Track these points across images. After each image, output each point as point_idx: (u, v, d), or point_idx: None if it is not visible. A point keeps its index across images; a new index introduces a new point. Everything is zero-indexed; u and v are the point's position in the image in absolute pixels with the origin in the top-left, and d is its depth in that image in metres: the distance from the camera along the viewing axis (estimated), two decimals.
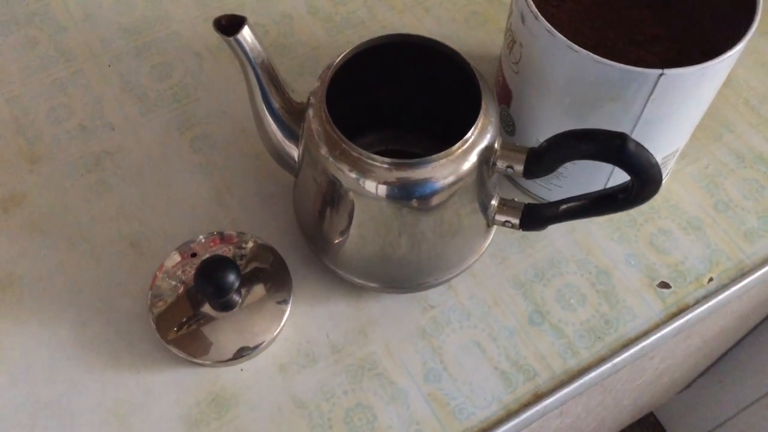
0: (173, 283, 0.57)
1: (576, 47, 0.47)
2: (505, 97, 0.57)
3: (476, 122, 0.47)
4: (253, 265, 0.57)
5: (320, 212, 0.52)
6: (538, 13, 0.48)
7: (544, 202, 0.60)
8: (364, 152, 0.46)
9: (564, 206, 0.51)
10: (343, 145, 0.46)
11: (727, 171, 0.62)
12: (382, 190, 0.47)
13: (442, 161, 0.46)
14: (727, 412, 1.27)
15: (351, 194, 0.48)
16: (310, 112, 0.49)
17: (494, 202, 0.53)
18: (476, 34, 0.69)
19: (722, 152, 0.63)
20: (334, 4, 0.71)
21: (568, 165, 0.54)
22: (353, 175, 0.46)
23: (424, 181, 0.47)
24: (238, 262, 0.57)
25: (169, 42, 0.68)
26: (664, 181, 0.61)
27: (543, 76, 0.51)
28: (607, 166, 0.54)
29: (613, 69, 0.46)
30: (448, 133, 0.51)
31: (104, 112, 0.63)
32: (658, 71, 0.46)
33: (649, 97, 0.48)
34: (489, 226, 0.54)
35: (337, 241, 0.53)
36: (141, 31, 0.68)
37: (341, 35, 0.69)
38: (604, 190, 0.50)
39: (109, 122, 0.63)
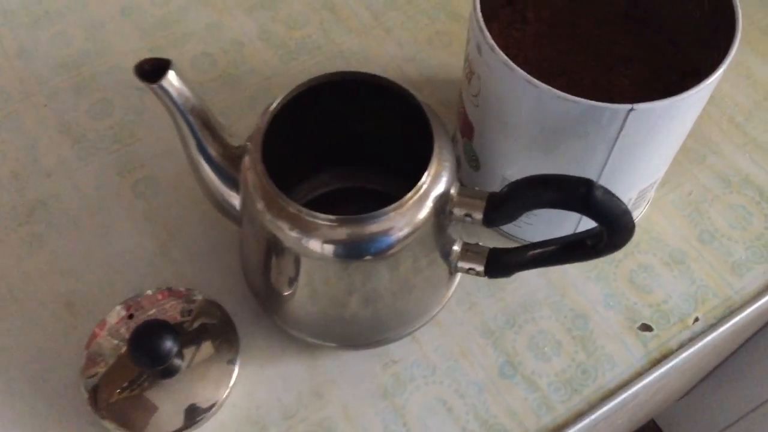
0: (115, 341, 0.52)
1: (536, 82, 0.42)
2: (467, 131, 0.52)
3: (428, 168, 0.43)
4: (201, 321, 0.53)
5: (264, 268, 0.48)
6: (494, 45, 0.44)
7: (516, 240, 0.56)
8: (304, 209, 0.41)
9: (531, 252, 0.47)
10: (281, 201, 0.42)
11: (711, 197, 0.58)
12: (328, 249, 0.42)
13: (392, 214, 0.42)
14: (729, 417, 1.24)
15: (294, 253, 0.43)
16: (247, 161, 0.44)
17: (456, 248, 0.49)
18: (440, 56, 0.65)
19: (706, 176, 0.59)
20: (288, 29, 0.66)
21: None
22: (294, 234, 0.42)
23: (374, 237, 0.42)
24: (185, 318, 0.53)
25: (109, 77, 0.63)
26: (643, 211, 0.57)
27: (503, 110, 0.46)
28: None
29: (578, 105, 0.42)
30: (409, 169, 0.47)
31: (39, 157, 0.59)
32: (627, 107, 0.41)
33: (619, 133, 0.43)
34: (452, 273, 0.50)
35: (284, 299, 0.48)
36: (80, 65, 0.64)
37: (296, 62, 0.64)
38: (574, 236, 0.45)
39: (43, 168, 0.58)
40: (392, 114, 0.47)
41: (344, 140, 0.53)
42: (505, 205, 0.42)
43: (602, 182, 0.48)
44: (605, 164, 0.46)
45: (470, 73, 0.49)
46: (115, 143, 0.60)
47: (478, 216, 0.43)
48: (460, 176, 0.58)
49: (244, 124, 0.60)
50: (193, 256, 0.55)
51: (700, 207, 0.57)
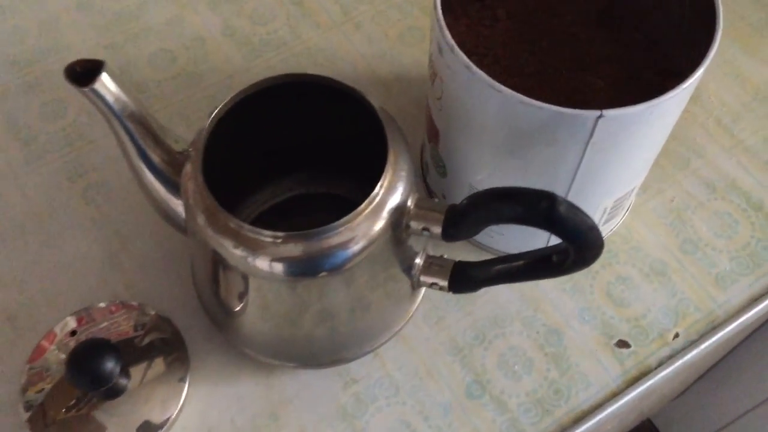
0: (62, 356, 0.49)
1: (498, 86, 0.39)
2: (433, 135, 0.49)
3: (382, 179, 0.40)
4: (153, 336, 0.50)
5: (212, 284, 0.45)
6: (454, 45, 0.40)
7: (487, 250, 0.52)
8: (246, 226, 0.38)
9: (497, 267, 0.44)
10: (222, 216, 0.39)
11: (695, 204, 0.54)
12: (276, 267, 0.39)
13: (343, 228, 0.39)
14: (727, 417, 1.21)
15: (240, 271, 0.40)
16: (188, 169, 0.41)
17: (419, 261, 0.46)
18: (412, 53, 0.61)
19: (690, 182, 0.55)
20: (253, 24, 0.63)
21: None
22: (238, 252, 0.39)
23: (325, 253, 0.39)
24: (138, 333, 0.50)
25: (62, 75, 0.60)
26: (622, 219, 0.53)
27: (467, 115, 0.43)
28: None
29: (543, 111, 0.38)
30: (374, 175, 0.44)
31: None
32: (596, 113, 0.38)
33: (589, 140, 0.40)
34: (414, 288, 0.47)
35: (235, 317, 0.45)
36: (32, 63, 0.60)
37: (260, 59, 0.61)
38: (541, 251, 0.42)
39: None
40: (348, 118, 0.44)
41: (305, 144, 0.50)
42: (465, 219, 0.39)
43: (574, 191, 0.45)
44: (576, 172, 0.43)
45: (433, 75, 0.45)
46: (67, 146, 0.57)
47: (437, 230, 0.40)
48: (429, 182, 0.55)
49: (202, 125, 0.57)
50: (145, 267, 0.52)
51: (682, 214, 0.54)
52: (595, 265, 0.52)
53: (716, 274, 0.52)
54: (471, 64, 0.40)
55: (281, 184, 0.54)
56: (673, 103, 0.40)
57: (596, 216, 0.48)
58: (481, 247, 0.53)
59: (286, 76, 0.43)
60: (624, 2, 0.50)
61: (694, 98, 0.59)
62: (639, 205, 0.54)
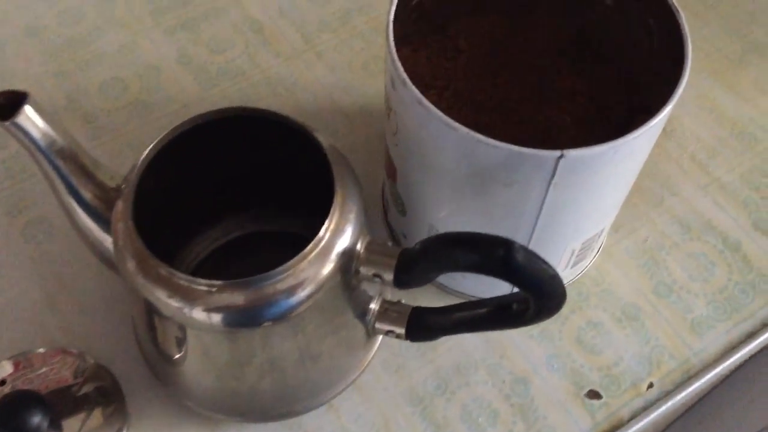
0: None
1: (453, 124, 0.36)
2: (391, 172, 0.46)
3: (328, 221, 0.37)
4: (91, 386, 0.46)
5: (150, 332, 0.41)
6: (407, 79, 0.38)
7: (451, 293, 0.49)
8: (180, 274, 0.35)
9: (457, 315, 0.41)
10: (152, 262, 0.36)
11: (669, 244, 0.52)
12: (214, 318, 0.36)
13: (285, 275, 0.36)
14: None
15: (176, 321, 0.37)
16: (119, 208, 0.38)
17: (374, 306, 0.43)
18: (376, 83, 0.59)
19: (664, 220, 0.53)
20: (210, 52, 0.60)
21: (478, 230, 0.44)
22: (172, 302, 0.35)
23: (268, 302, 0.36)
24: (77, 380, 0.47)
25: None
26: (593, 261, 0.51)
27: (422, 152, 0.40)
28: (522, 239, 0.43)
29: (500, 150, 0.36)
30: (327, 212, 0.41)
31: None
32: (556, 153, 0.35)
33: (551, 181, 0.37)
34: (370, 336, 0.44)
35: (174, 368, 0.42)
36: None
37: (217, 89, 0.58)
38: (504, 298, 0.39)
39: None
40: (297, 154, 0.41)
41: (255, 180, 0.47)
42: (418, 265, 0.36)
43: (539, 233, 0.42)
44: (540, 213, 0.40)
45: (388, 109, 0.43)
46: (7, 179, 0.53)
47: (389, 276, 0.37)
48: (390, 220, 0.52)
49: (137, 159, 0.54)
50: (83, 311, 0.48)
51: (656, 255, 0.51)
52: (565, 310, 0.49)
53: (692, 319, 0.49)
54: (424, 99, 0.37)
55: (233, 221, 0.51)
56: (641, 141, 0.37)
57: (563, 258, 0.45)
58: (445, 289, 0.50)
59: (228, 110, 0.40)
60: (592, 34, 0.47)
61: (668, 133, 0.56)
62: (611, 245, 0.52)
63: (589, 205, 0.41)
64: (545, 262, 0.34)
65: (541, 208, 0.39)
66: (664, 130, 0.56)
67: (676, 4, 0.40)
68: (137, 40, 0.61)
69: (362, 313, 0.42)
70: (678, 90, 0.38)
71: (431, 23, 0.48)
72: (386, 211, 0.52)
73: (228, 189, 0.47)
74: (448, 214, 0.43)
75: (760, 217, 0.53)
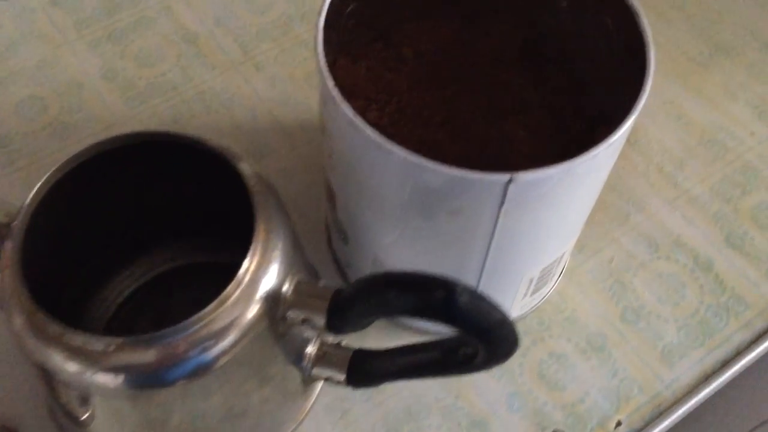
0: None
1: (389, 146, 0.32)
2: (330, 196, 0.42)
3: (248, 259, 0.32)
4: None
5: (52, 393, 0.36)
6: (338, 95, 0.33)
7: (406, 328, 0.45)
8: (72, 331, 0.30)
9: (402, 359, 0.36)
10: (42, 320, 0.31)
11: (636, 265, 0.48)
12: (117, 380, 0.31)
13: (197, 327, 0.31)
14: None
15: (75, 386, 0.32)
16: (7, 250, 0.33)
17: (311, 350, 0.38)
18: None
19: (630, 239, 0.49)
20: (138, 66, 0.55)
21: (425, 262, 0.39)
22: (69, 367, 0.31)
23: (181, 358, 0.31)
24: None
25: None
26: (555, 286, 0.47)
27: (358, 176, 0.36)
28: (473, 270, 0.39)
29: (441, 175, 0.32)
30: None
31: None
32: (505, 177, 0.31)
33: (500, 208, 0.33)
34: (307, 383, 0.39)
35: (83, 428, 0.37)
36: None
37: (145, 106, 0.53)
38: (452, 341, 0.35)
39: None
40: (218, 183, 0.36)
41: (176, 211, 0.42)
42: (352, 309, 0.32)
43: (491, 262, 0.38)
44: (490, 243, 0.36)
45: (322, 129, 0.38)
46: None
47: (320, 321, 0.33)
48: (334, 248, 0.47)
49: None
50: None
51: (623, 277, 0.47)
52: (526, 339, 0.45)
53: (662, 347, 0.45)
54: (356, 118, 0.32)
55: (163, 253, 0.46)
56: (600, 159, 0.33)
57: (521, 287, 0.41)
58: (399, 324, 0.45)
59: (136, 135, 0.35)
60: (548, 40, 0.43)
61: (632, 143, 0.52)
62: (574, 267, 0.48)
63: (546, 231, 0.37)
64: (493, 305, 0.29)
65: (492, 237, 0.35)
66: (628, 140, 0.52)
67: (635, 4, 0.36)
68: (58, 53, 0.55)
69: (297, 359, 0.37)
70: (640, 100, 0.34)
71: (373, 30, 0.43)
72: (330, 239, 0.48)
73: (147, 221, 0.42)
74: (392, 243, 0.39)
75: (732, 232, 0.49)
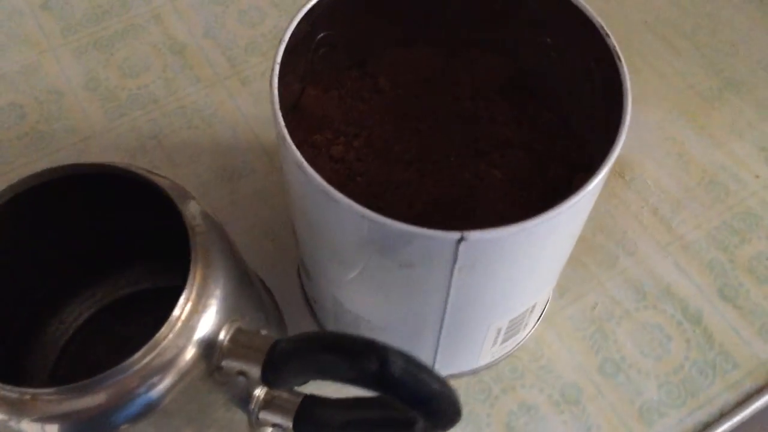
0: None
1: (333, 193, 0.30)
2: (293, 229, 0.40)
3: (183, 300, 0.30)
4: None
5: None
6: (287, 135, 0.31)
7: None
8: (5, 386, 0.29)
9: (350, 413, 0.34)
10: None
11: (620, 313, 0.45)
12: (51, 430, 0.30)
13: (126, 374, 0.29)
14: None
15: None
16: None
17: (259, 393, 0.36)
18: None
19: (616, 284, 0.46)
20: (122, 76, 0.54)
21: (383, 308, 0.38)
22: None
23: (109, 408, 0.30)
24: None
25: None
26: (531, 332, 0.44)
27: (309, 219, 0.34)
28: (433, 320, 0.37)
29: (386, 229, 0.29)
30: None
31: None
32: (455, 236, 0.29)
33: (454, 265, 0.31)
34: (254, 428, 0.38)
35: None
36: None
37: (125, 118, 0.52)
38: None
39: None
40: (160, 217, 0.35)
41: (138, 235, 0.41)
42: (287, 366, 0.30)
43: (451, 316, 0.35)
44: (447, 298, 0.34)
45: (279, 162, 0.36)
46: None
47: (255, 374, 0.31)
48: (302, 279, 0.45)
49: None
50: None
51: (605, 326, 0.45)
52: (495, 387, 0.43)
53: (641, 404, 0.42)
54: (302, 162, 0.30)
55: (126, 276, 0.45)
56: (561, 220, 0.31)
57: (488, 338, 0.39)
58: None
59: (73, 167, 0.34)
60: (532, 77, 0.41)
61: (628, 181, 0.50)
62: (554, 312, 0.45)
63: (510, 285, 0.35)
64: (431, 375, 0.27)
65: (448, 291, 0.33)
66: (623, 177, 0.50)
67: (617, 47, 0.34)
68: (42, 59, 0.54)
69: (243, 402, 0.36)
70: (614, 150, 0.31)
71: (348, 57, 0.41)
72: (299, 269, 0.46)
73: (107, 245, 0.41)
74: (348, 286, 0.37)
75: (727, 284, 0.46)
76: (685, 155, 0.51)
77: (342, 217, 0.31)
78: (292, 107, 0.39)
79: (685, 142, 0.52)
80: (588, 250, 0.47)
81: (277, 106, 0.32)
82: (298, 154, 0.31)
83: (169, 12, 0.57)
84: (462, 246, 0.29)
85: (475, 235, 0.29)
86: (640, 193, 0.50)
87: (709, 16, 0.57)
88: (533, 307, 0.40)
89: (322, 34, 0.38)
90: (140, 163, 0.50)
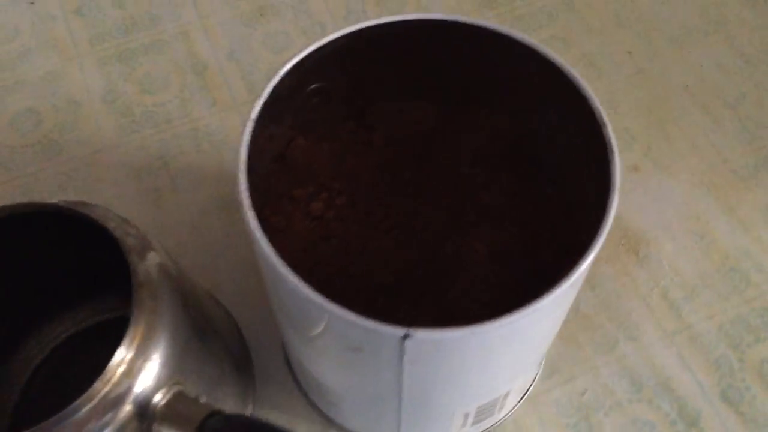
0: None
1: (285, 274, 0.28)
2: None
3: (118, 358, 0.30)
4: None
5: None
6: (246, 199, 0.30)
7: (331, 421, 0.42)
8: None
9: None
10: None
11: (611, 404, 0.42)
12: None
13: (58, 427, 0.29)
14: None
15: None
16: None
17: None
18: None
19: (611, 371, 0.43)
20: (140, 91, 0.54)
21: (340, 379, 0.36)
22: None
23: None
24: None
25: None
26: (512, 413, 0.42)
27: (270, 290, 0.33)
28: (391, 400, 0.35)
29: (331, 314, 0.28)
30: None
31: None
32: (399, 332, 0.27)
33: (402, 357, 0.29)
34: None
35: None
36: None
37: (136, 135, 0.52)
38: None
39: None
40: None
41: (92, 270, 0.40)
42: None
43: (408, 401, 0.34)
44: (401, 383, 0.32)
45: None
46: None
47: None
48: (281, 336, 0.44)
49: None
50: None
51: (592, 416, 0.42)
52: None
53: None
54: (259, 235, 0.29)
55: (107, 302, 0.44)
56: (522, 324, 0.29)
57: (455, 422, 0.37)
58: (329, 420, 0.42)
59: (25, 205, 0.33)
60: (535, 141, 0.38)
61: (641, 259, 0.47)
62: (540, 392, 0.43)
63: (472, 379, 0.33)
64: None
65: (401, 379, 0.31)
66: (636, 253, 0.47)
67: (612, 140, 0.31)
68: (65, 68, 0.55)
69: None
70: (586, 256, 0.29)
71: (346, 107, 0.40)
72: None
73: (87, 270, 0.40)
74: (306, 353, 0.35)
75: (732, 385, 0.43)
76: (708, 236, 0.48)
77: (291, 293, 0.29)
78: (279, 156, 0.38)
79: (710, 222, 0.48)
80: (586, 328, 0.44)
81: (243, 165, 0.31)
82: (255, 223, 0.29)
83: (197, 29, 0.57)
84: (408, 342, 0.27)
85: (421, 334, 0.27)
86: (653, 272, 0.46)
87: (757, 86, 0.53)
88: (507, 393, 0.37)
89: (314, 85, 0.37)
90: (145, 185, 0.49)
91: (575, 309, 0.45)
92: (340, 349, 0.31)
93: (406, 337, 0.27)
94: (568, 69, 0.32)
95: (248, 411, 0.40)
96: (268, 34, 0.57)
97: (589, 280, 0.46)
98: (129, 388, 0.30)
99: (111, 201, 0.49)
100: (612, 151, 0.31)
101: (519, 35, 0.33)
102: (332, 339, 0.30)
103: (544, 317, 0.30)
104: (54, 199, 0.48)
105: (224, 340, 0.39)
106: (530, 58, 0.33)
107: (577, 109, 0.33)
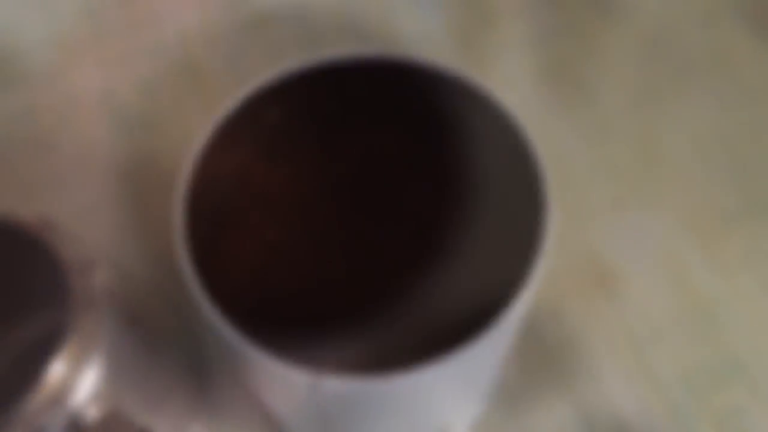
0: None
1: (199, 296, 0.29)
2: None
3: (54, 366, 0.31)
4: None
5: None
6: (177, 228, 0.31)
7: None
8: None
9: None
10: None
11: None
12: None
13: None
14: None
15: None
16: None
17: None
18: None
19: (566, 410, 0.43)
20: (137, 93, 0.55)
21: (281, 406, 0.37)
22: None
23: None
24: None
25: None
26: None
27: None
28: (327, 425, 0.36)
29: (244, 348, 0.28)
30: None
31: None
32: (307, 378, 0.27)
33: (314, 399, 0.29)
34: None
35: None
36: None
37: (126, 139, 0.53)
38: None
39: None
40: None
41: None
42: None
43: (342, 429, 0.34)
44: (317, 417, 0.32)
45: None
46: None
47: None
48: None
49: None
50: None
51: None
52: None
53: None
54: (186, 264, 0.30)
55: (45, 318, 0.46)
56: (431, 378, 0.29)
57: None
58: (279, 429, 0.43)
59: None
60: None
61: (612, 295, 0.46)
62: (491, 425, 0.43)
63: (397, 417, 0.33)
64: None
65: (316, 413, 0.32)
66: (604, 287, 0.46)
67: (549, 201, 0.31)
68: (70, 63, 0.56)
69: None
70: (519, 301, 0.29)
71: (307, 134, 0.40)
72: None
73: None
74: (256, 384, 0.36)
75: None
76: (682, 278, 0.47)
77: (212, 321, 0.30)
78: (234, 181, 0.39)
79: (687, 264, 0.47)
80: (548, 362, 0.44)
81: (186, 182, 0.32)
82: (184, 252, 0.30)
83: (197, 35, 0.57)
84: (317, 388, 0.28)
85: (328, 383, 0.28)
86: (621, 310, 0.46)
87: (749, 123, 0.51)
88: (446, 424, 0.38)
89: (275, 111, 0.37)
90: (127, 191, 0.51)
91: (541, 339, 0.45)
92: (265, 376, 0.32)
93: (314, 384, 0.28)
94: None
95: (200, 424, 0.41)
96: (267, 42, 0.57)
97: (557, 313, 0.46)
98: (59, 407, 0.31)
99: (98, 203, 0.50)
100: (547, 211, 0.31)
101: (473, 80, 0.33)
102: (255, 369, 0.31)
103: (467, 366, 0.30)
104: (38, 200, 0.50)
105: (179, 352, 0.40)
106: (481, 104, 0.33)
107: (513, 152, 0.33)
